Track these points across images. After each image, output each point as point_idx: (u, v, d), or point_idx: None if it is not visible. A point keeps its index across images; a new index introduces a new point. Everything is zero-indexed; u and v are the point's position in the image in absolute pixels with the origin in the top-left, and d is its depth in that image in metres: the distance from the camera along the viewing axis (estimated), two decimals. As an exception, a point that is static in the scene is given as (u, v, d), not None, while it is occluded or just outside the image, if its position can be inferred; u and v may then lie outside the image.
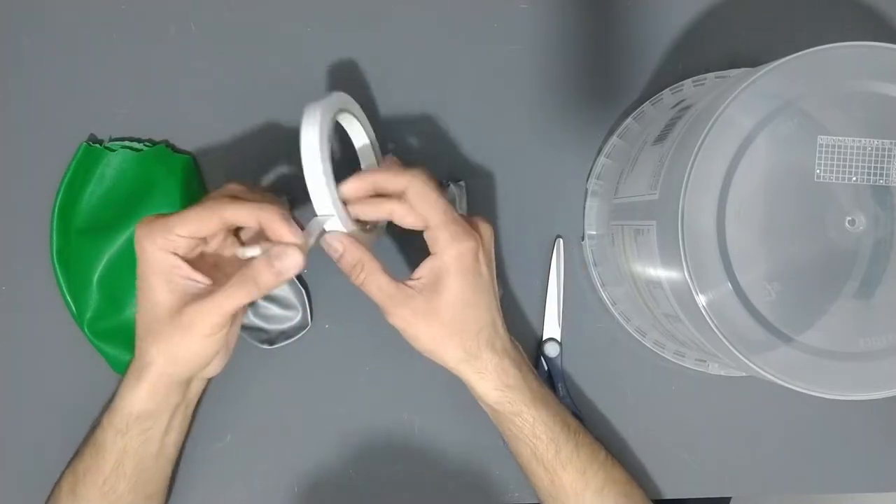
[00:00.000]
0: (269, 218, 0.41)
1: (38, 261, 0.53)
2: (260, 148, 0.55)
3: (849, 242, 0.39)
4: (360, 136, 0.50)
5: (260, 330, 0.54)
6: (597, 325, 0.56)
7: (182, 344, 0.43)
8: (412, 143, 0.55)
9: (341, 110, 0.47)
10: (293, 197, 0.54)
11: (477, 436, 0.54)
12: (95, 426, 0.48)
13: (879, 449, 0.56)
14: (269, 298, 0.54)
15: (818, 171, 0.39)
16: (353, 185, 0.44)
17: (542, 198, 0.56)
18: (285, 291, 0.54)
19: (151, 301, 0.43)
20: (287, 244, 0.40)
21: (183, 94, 0.55)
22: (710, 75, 0.55)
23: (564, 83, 0.56)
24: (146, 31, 0.55)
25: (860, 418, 0.56)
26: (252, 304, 0.54)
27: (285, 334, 0.54)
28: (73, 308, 0.53)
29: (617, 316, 0.55)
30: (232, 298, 0.41)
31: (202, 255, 0.45)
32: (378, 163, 0.51)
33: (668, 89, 0.55)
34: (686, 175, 0.38)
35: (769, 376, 0.38)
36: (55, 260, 0.53)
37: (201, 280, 0.43)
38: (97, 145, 0.53)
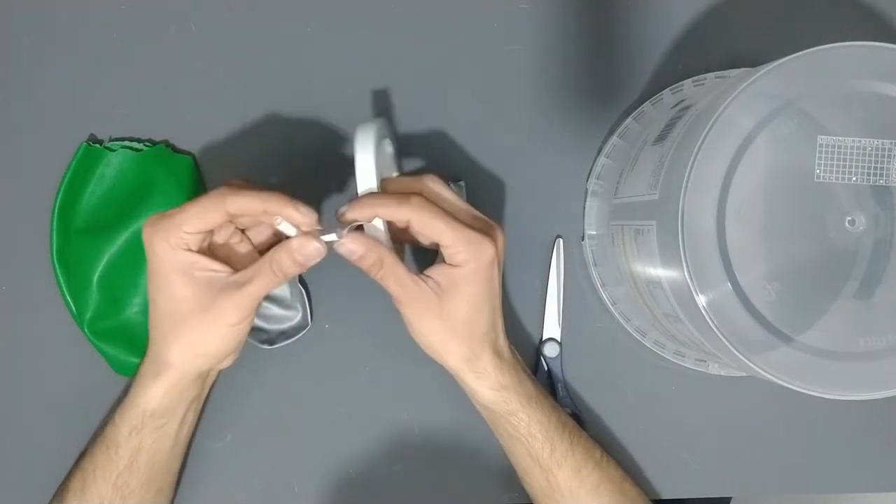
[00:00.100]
0: (277, 203, 0.41)
1: (38, 261, 0.53)
2: (260, 148, 0.55)
3: (849, 242, 0.39)
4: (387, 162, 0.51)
5: (260, 330, 0.54)
6: (597, 325, 0.56)
7: (209, 336, 0.44)
8: (412, 144, 0.55)
9: (382, 136, 0.47)
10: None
11: (477, 436, 0.54)
12: (105, 424, 0.48)
13: (879, 449, 0.56)
14: (269, 298, 0.54)
15: (818, 171, 0.39)
16: (355, 213, 0.43)
17: (542, 198, 0.56)
18: (285, 291, 0.54)
19: (171, 299, 0.43)
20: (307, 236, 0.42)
21: (183, 94, 0.55)
22: (710, 75, 0.55)
23: (564, 83, 0.56)
24: (146, 31, 0.55)
25: (860, 418, 0.56)
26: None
27: (285, 334, 0.54)
28: (73, 308, 0.53)
29: (617, 316, 0.55)
30: (257, 284, 0.43)
31: (211, 246, 0.45)
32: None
33: (668, 89, 0.55)
34: (686, 175, 0.38)
35: (769, 376, 0.38)
36: (55, 260, 0.53)
37: (221, 269, 0.43)
38: (97, 145, 0.53)
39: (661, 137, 0.46)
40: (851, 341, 0.39)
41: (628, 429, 0.56)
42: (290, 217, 0.42)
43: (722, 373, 0.55)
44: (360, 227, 0.43)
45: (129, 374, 0.53)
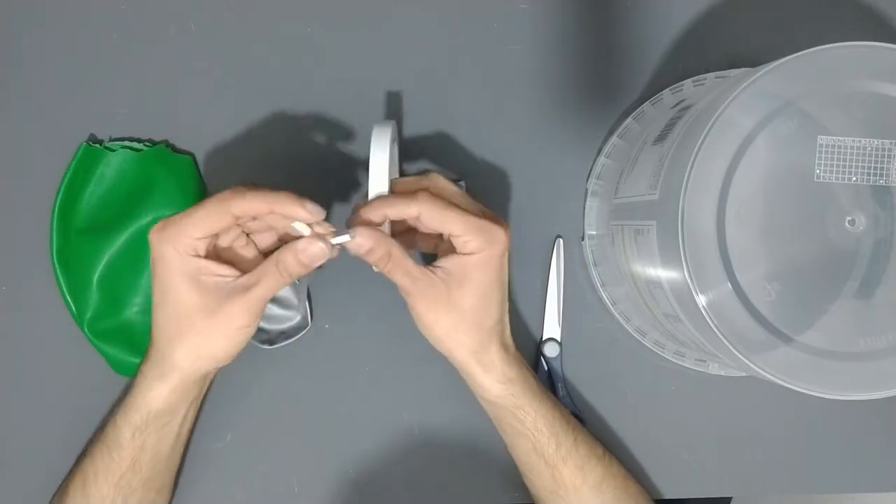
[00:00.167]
0: (283, 202, 0.41)
1: (38, 261, 0.53)
2: (260, 148, 0.55)
3: (849, 242, 0.39)
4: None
5: (260, 330, 0.54)
6: (597, 325, 0.56)
7: (215, 339, 0.44)
8: (412, 144, 0.55)
9: (394, 138, 0.48)
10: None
11: (477, 436, 0.54)
12: (106, 425, 0.48)
13: (879, 449, 0.56)
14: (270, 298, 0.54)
15: (818, 171, 0.39)
16: (366, 217, 0.43)
17: (542, 198, 0.56)
18: (285, 291, 0.54)
19: (178, 304, 0.43)
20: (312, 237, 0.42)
21: (183, 94, 0.55)
22: (710, 75, 0.55)
23: (564, 83, 0.56)
24: (146, 31, 0.55)
25: (860, 418, 0.56)
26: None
27: (285, 334, 0.54)
28: (73, 308, 0.53)
29: (617, 316, 0.55)
30: (264, 287, 0.43)
31: (216, 249, 0.45)
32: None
33: (668, 89, 0.55)
34: (686, 175, 0.38)
35: (769, 376, 0.38)
36: (55, 260, 0.53)
37: (227, 273, 0.43)
38: (97, 145, 0.53)
39: (661, 137, 0.46)
40: (851, 341, 0.39)
41: (628, 429, 0.56)
42: (295, 214, 0.42)
43: (722, 373, 0.55)
44: None
45: (129, 374, 0.53)
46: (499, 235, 0.44)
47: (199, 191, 0.54)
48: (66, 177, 0.53)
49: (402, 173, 0.54)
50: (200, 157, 0.55)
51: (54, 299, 0.53)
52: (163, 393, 0.45)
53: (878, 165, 0.39)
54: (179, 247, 0.42)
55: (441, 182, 0.45)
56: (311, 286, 0.55)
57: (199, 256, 0.43)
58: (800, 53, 0.38)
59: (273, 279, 0.43)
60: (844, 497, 1.06)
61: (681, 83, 0.55)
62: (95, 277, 0.52)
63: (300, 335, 0.54)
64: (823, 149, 0.39)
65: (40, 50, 0.54)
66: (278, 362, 0.55)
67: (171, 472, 0.51)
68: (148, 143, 0.54)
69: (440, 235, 0.47)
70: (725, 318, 0.38)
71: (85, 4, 0.55)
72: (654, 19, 0.56)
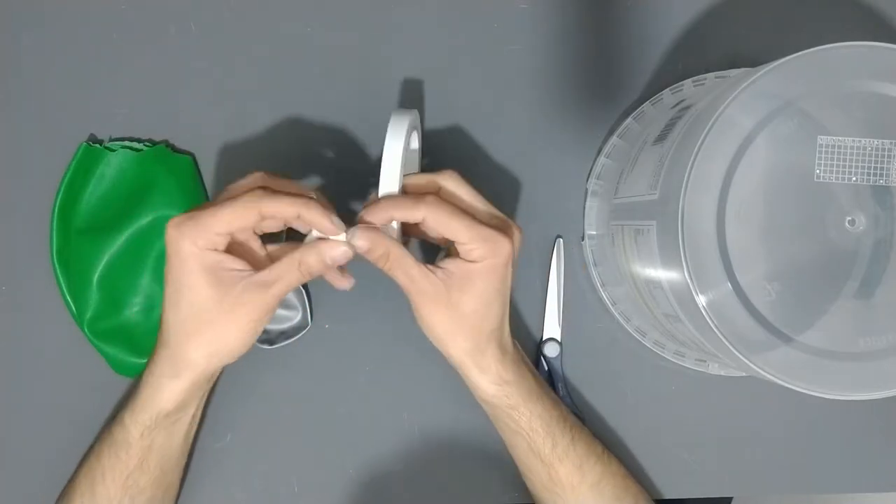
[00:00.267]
0: (313, 212, 0.42)
1: (38, 261, 0.53)
2: (260, 148, 0.55)
3: (849, 242, 0.39)
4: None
5: (260, 330, 0.54)
6: (597, 325, 0.56)
7: (230, 335, 0.44)
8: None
9: (413, 127, 0.47)
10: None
11: (477, 436, 0.54)
12: (113, 425, 0.48)
13: (879, 449, 0.56)
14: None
15: (818, 171, 0.39)
16: (372, 218, 0.43)
17: (542, 198, 0.56)
18: (285, 291, 0.54)
19: (195, 300, 0.43)
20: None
21: (183, 94, 0.55)
22: (710, 75, 0.55)
23: (564, 83, 0.56)
24: (146, 31, 0.55)
25: (860, 418, 0.56)
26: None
27: (285, 334, 0.54)
28: (73, 308, 0.53)
29: (617, 316, 0.55)
30: (283, 284, 0.43)
31: (230, 244, 0.45)
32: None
33: (668, 89, 0.55)
34: (686, 175, 0.38)
35: (769, 376, 0.38)
36: (55, 260, 0.53)
37: (244, 268, 0.43)
38: (97, 145, 0.53)
39: (661, 137, 0.46)
40: (851, 341, 0.39)
41: (628, 428, 0.56)
42: (321, 227, 0.42)
43: (722, 373, 0.55)
44: None
45: (129, 374, 0.53)
46: (504, 246, 0.43)
47: (199, 191, 0.54)
48: (66, 177, 0.53)
49: (422, 167, 0.54)
50: (200, 157, 0.55)
51: (54, 299, 0.53)
52: (175, 391, 0.45)
53: (878, 165, 0.39)
54: (200, 241, 0.42)
55: (455, 182, 0.45)
56: (311, 286, 0.55)
57: (217, 251, 0.43)
58: (800, 53, 0.38)
59: (294, 277, 0.43)
60: (844, 497, 1.06)
61: (681, 83, 0.55)
62: (95, 277, 0.52)
63: (300, 335, 0.54)
64: (823, 149, 0.39)
65: (40, 50, 0.54)
66: (278, 362, 0.55)
67: (178, 470, 0.51)
68: (148, 143, 0.54)
69: None
70: (725, 318, 0.38)
71: (85, 4, 0.55)
72: (654, 19, 0.56)
